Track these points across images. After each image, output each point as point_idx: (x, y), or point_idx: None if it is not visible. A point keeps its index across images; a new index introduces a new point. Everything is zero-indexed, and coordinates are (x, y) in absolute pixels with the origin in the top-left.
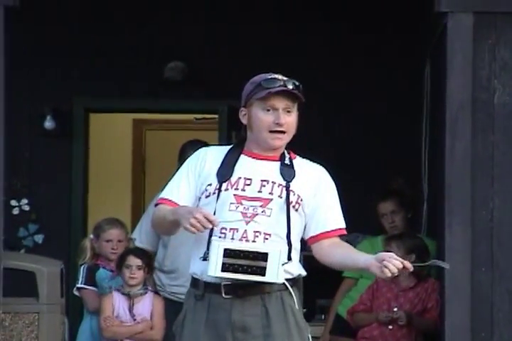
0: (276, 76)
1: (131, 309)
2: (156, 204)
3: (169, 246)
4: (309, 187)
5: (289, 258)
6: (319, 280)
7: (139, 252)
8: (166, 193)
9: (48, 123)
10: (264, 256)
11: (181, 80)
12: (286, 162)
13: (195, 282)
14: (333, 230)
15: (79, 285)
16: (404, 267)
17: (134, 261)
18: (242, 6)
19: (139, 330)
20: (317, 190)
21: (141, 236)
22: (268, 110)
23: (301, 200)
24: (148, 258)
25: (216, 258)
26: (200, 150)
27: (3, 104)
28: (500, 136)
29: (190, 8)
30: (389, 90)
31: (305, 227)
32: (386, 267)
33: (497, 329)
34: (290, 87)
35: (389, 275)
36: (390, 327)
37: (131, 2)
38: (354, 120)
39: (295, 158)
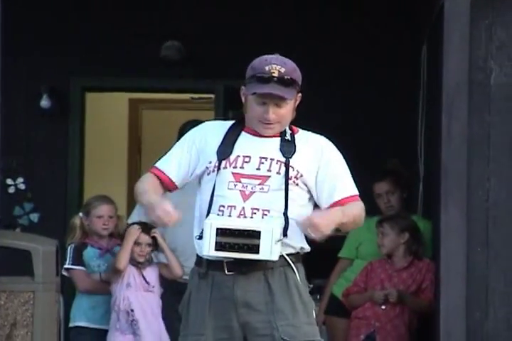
0: (272, 67)
1: (143, 276)
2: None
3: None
4: (311, 160)
5: (285, 234)
6: (315, 261)
7: (147, 230)
8: (161, 163)
9: (44, 102)
10: (256, 234)
11: (178, 59)
12: (286, 138)
13: (198, 260)
14: (343, 198)
15: (66, 266)
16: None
17: (144, 239)
18: None
19: None
20: (320, 162)
21: (140, 216)
22: (259, 104)
23: (301, 175)
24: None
25: (209, 237)
26: (202, 124)
27: None
28: (496, 116)
29: None
30: (386, 71)
31: (319, 200)
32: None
33: (492, 310)
34: (282, 83)
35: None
36: (383, 307)
37: None
38: (351, 101)
39: (297, 132)
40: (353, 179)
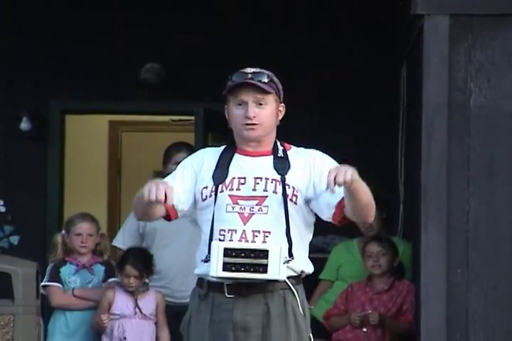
0: (247, 69)
1: (136, 304)
2: None
3: (153, 248)
4: (304, 175)
5: (290, 255)
6: None
7: (137, 262)
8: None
9: (24, 125)
10: (264, 254)
11: (157, 82)
12: (279, 155)
13: (199, 281)
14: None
15: (43, 283)
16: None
17: (132, 272)
18: (220, 9)
19: None
20: (313, 174)
21: (125, 239)
22: (240, 104)
23: (298, 191)
24: (147, 263)
25: (217, 258)
26: (199, 150)
27: None
28: (476, 138)
29: (167, 10)
30: (365, 92)
31: (320, 210)
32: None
33: (472, 331)
34: (258, 79)
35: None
36: (364, 329)
37: (108, 4)
38: (330, 123)
39: (290, 148)
40: None
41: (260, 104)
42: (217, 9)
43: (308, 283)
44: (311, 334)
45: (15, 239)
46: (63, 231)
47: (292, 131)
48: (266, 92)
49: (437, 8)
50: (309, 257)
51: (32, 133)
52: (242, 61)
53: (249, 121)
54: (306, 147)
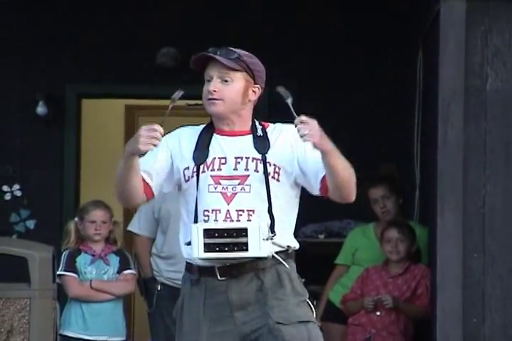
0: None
1: None
2: None
3: (168, 232)
4: (286, 151)
5: (273, 232)
6: (311, 267)
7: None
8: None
9: (40, 109)
10: (243, 232)
11: (174, 66)
12: (258, 134)
13: (188, 266)
14: None
15: (58, 272)
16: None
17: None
18: None
19: None
20: (295, 148)
21: (140, 223)
22: (208, 81)
23: (279, 169)
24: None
25: (197, 240)
26: (176, 130)
27: None
28: (492, 122)
29: None
30: (382, 77)
31: (309, 184)
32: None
33: (488, 315)
34: (224, 55)
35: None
36: (378, 313)
37: None
38: (347, 107)
39: (268, 126)
40: None
41: (226, 81)
42: None
43: (325, 266)
44: (308, 300)
45: (31, 223)
46: (76, 219)
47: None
48: (229, 68)
49: None
50: (325, 241)
51: (48, 118)
52: (257, 45)
53: (210, 96)
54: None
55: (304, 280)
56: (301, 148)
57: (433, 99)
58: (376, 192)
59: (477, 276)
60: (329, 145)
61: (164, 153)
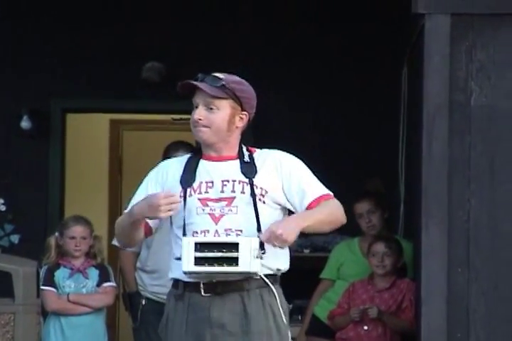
0: (213, 74)
1: None
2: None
3: (152, 246)
4: (272, 176)
5: (262, 249)
6: (296, 281)
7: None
8: (132, 204)
9: (25, 123)
10: (235, 246)
11: (159, 80)
12: (245, 159)
13: (175, 283)
14: (313, 200)
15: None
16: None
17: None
18: (221, 5)
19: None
20: (282, 175)
21: None
22: (196, 107)
23: (266, 192)
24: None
25: (188, 253)
26: (160, 164)
27: None
28: (477, 137)
29: (168, 7)
30: (366, 91)
31: (295, 210)
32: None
33: (473, 330)
34: (210, 83)
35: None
36: (365, 327)
37: (108, 2)
38: (331, 121)
39: (255, 151)
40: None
41: (211, 109)
42: (219, 7)
43: (310, 281)
44: (290, 334)
45: (15, 238)
46: (57, 234)
47: (292, 132)
48: (214, 97)
49: (438, 7)
50: (311, 256)
51: (33, 132)
52: (244, 60)
53: (195, 124)
54: (291, 150)
55: (291, 306)
56: (285, 173)
57: (418, 113)
58: (361, 206)
59: (461, 291)
60: (303, 225)
61: (156, 189)
